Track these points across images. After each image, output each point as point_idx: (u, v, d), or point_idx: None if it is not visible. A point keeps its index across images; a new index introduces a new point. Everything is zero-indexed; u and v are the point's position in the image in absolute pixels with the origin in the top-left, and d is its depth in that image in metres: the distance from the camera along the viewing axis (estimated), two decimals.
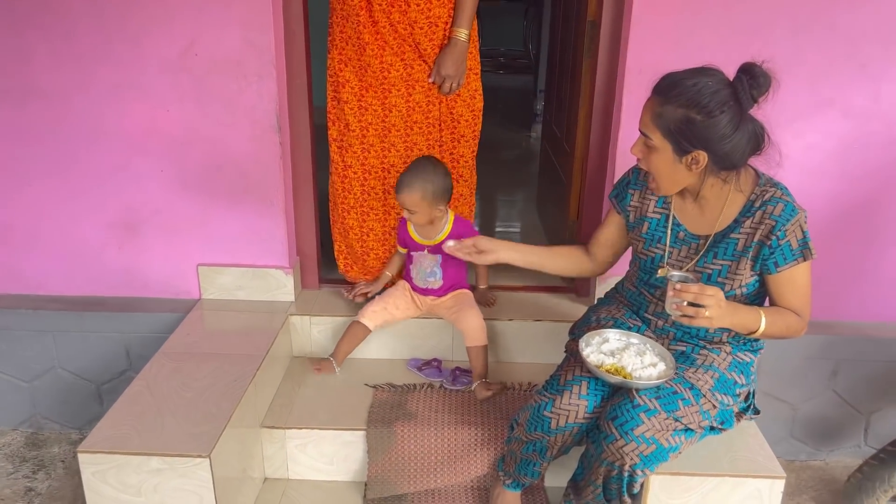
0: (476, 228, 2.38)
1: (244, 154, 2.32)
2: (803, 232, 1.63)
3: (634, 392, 1.65)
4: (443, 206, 2.20)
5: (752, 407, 1.89)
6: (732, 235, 1.69)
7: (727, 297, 1.60)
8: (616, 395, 1.71)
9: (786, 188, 1.68)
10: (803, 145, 2.29)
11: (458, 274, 2.37)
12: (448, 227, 2.26)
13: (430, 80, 2.27)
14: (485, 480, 2.11)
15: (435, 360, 2.42)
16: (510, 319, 2.41)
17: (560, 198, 2.80)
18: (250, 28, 2.18)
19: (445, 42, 2.24)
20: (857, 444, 2.53)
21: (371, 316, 2.30)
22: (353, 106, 2.32)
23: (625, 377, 1.67)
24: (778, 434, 2.49)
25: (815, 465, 2.53)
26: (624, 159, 2.28)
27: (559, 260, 1.97)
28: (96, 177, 2.36)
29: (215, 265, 2.46)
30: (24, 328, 2.44)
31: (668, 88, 1.56)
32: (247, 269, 2.46)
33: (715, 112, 1.52)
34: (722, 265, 1.71)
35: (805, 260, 1.64)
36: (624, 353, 1.74)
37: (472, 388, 2.25)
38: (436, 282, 2.32)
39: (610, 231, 1.94)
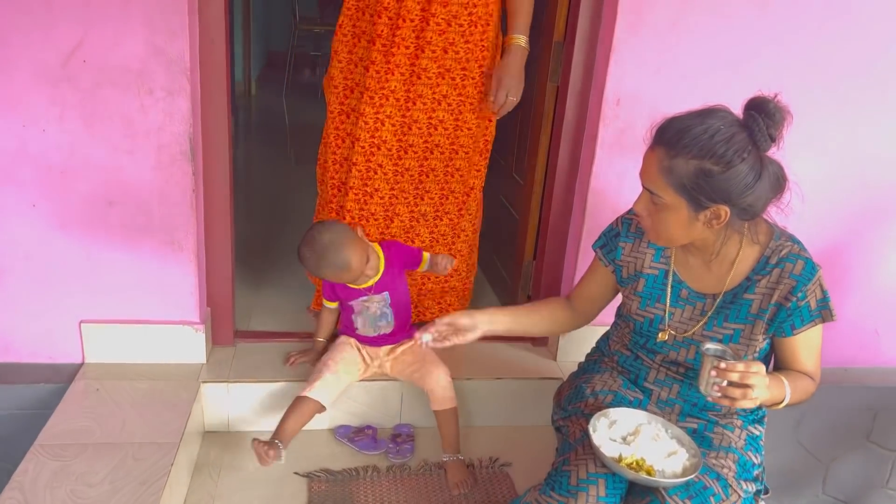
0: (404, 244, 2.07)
1: (145, 186, 1.86)
2: (823, 291, 1.47)
3: (663, 491, 1.39)
4: (368, 246, 1.89)
5: (764, 487, 1.70)
6: (746, 296, 1.49)
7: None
8: (635, 490, 1.45)
9: (801, 243, 1.51)
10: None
11: (407, 314, 2.04)
12: (381, 260, 1.93)
13: (491, 99, 2.00)
14: None
15: (368, 427, 2.07)
16: (468, 378, 2.10)
17: (508, 234, 2.52)
18: (157, 31, 1.73)
19: (483, 52, 1.99)
20: (815, 493, 2.44)
21: (323, 390, 1.88)
22: (369, 120, 2.01)
23: (648, 472, 1.41)
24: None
25: None
26: (597, 198, 2.04)
27: (542, 321, 1.72)
28: None
29: (103, 321, 1.97)
30: None
31: (676, 138, 1.33)
32: (144, 325, 1.99)
33: (734, 161, 1.30)
34: (735, 329, 1.50)
35: (823, 321, 1.48)
36: (637, 440, 1.47)
37: (444, 462, 1.92)
38: (387, 325, 1.98)
39: (596, 284, 1.70)
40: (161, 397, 1.88)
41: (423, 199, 2.13)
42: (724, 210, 1.35)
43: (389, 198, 2.10)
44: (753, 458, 1.55)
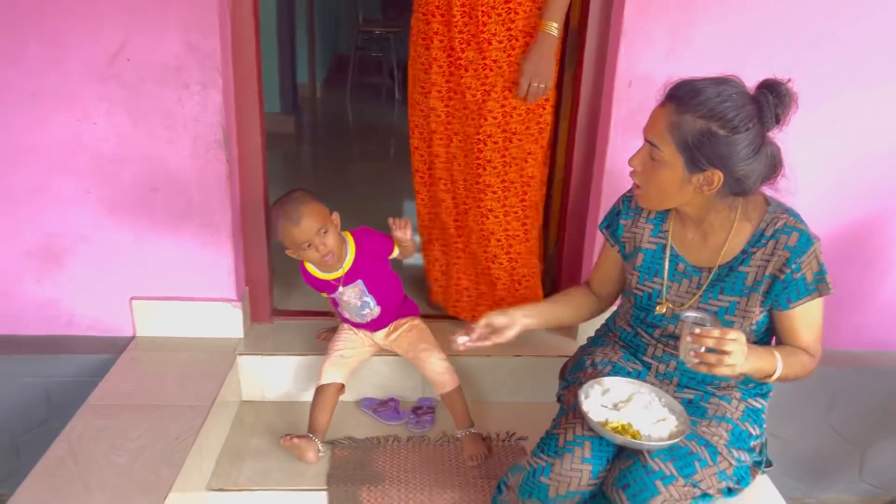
0: (375, 230, 2.04)
1: (185, 173, 2.03)
2: (819, 264, 1.47)
3: (646, 454, 1.44)
4: (330, 223, 1.89)
5: (765, 459, 1.71)
6: (741, 268, 1.51)
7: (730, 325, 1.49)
8: (623, 454, 1.50)
9: (798, 215, 1.51)
10: (797, 167, 2.12)
11: (394, 291, 2.06)
12: (352, 248, 1.95)
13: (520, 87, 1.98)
14: None
15: (391, 399, 2.17)
16: (487, 355, 2.18)
17: None
18: (192, 30, 1.89)
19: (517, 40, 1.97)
20: (852, 480, 2.38)
21: (333, 371, 1.98)
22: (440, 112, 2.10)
23: (633, 436, 1.46)
24: (771, 472, 2.32)
25: (809, 503, 2.38)
26: (611, 178, 2.08)
27: (572, 311, 1.78)
28: (10, 200, 2.04)
29: (151, 298, 2.16)
30: None
31: (689, 96, 1.37)
32: (188, 302, 2.16)
33: (740, 128, 1.35)
34: (730, 301, 1.53)
35: (821, 295, 1.48)
36: (628, 406, 1.53)
37: (458, 437, 2.00)
38: (372, 312, 2.01)
39: (608, 266, 1.75)
40: (199, 367, 2.05)
41: (485, 193, 2.12)
42: (718, 176, 1.39)
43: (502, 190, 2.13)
44: (751, 430, 1.57)
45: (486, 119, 2.03)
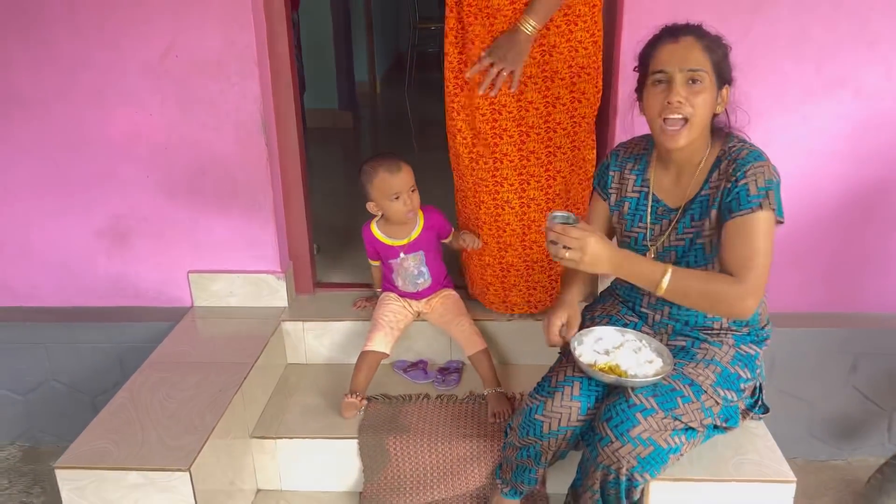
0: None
1: (230, 157, 2.26)
2: (766, 181, 1.50)
3: (630, 391, 1.55)
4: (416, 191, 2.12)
5: (760, 404, 1.79)
6: (703, 193, 1.61)
7: (709, 257, 1.59)
8: (611, 395, 1.62)
9: (758, 150, 1.57)
10: (813, 128, 2.17)
11: (441, 267, 2.28)
12: (421, 221, 2.17)
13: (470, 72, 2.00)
14: (483, 490, 2.02)
15: (421, 361, 2.35)
16: (509, 318, 2.32)
17: None
18: (230, 27, 2.12)
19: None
20: (881, 442, 2.39)
21: (380, 341, 2.15)
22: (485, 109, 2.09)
23: (619, 375, 1.58)
24: (796, 433, 2.37)
25: (837, 464, 2.40)
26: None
27: (590, 279, 1.89)
28: (82, 185, 2.32)
29: (206, 272, 2.40)
30: (16, 341, 2.41)
31: (699, 29, 1.54)
32: (238, 274, 2.40)
33: (727, 46, 1.56)
34: (695, 229, 1.63)
35: (762, 209, 1.48)
36: (619, 351, 1.65)
37: (485, 395, 2.15)
38: (425, 282, 2.23)
39: (600, 221, 1.83)
40: (247, 331, 2.28)
41: (529, 183, 2.15)
42: (728, 90, 1.57)
43: (519, 183, 2.15)
44: (741, 372, 1.66)
45: (527, 111, 2.08)
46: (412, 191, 2.08)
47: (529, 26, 1.92)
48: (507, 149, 2.11)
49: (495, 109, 2.07)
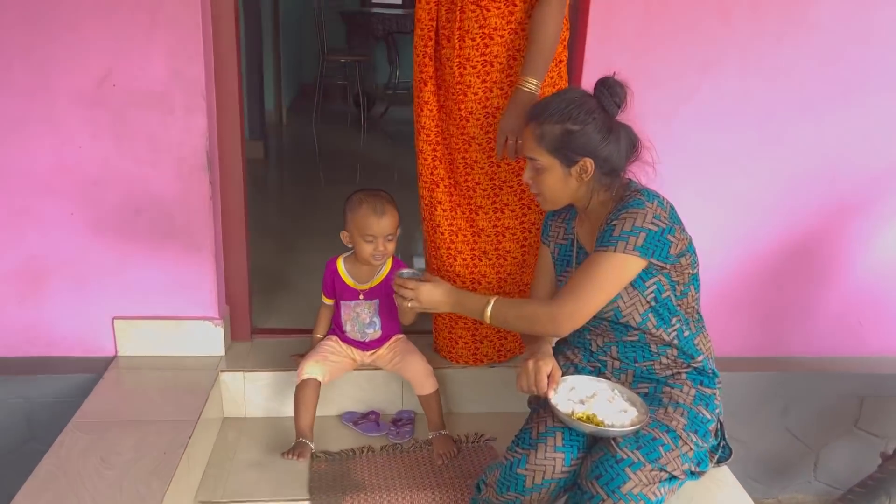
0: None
1: (169, 195, 2.09)
2: (634, 226, 1.55)
3: (614, 443, 1.55)
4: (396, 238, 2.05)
5: (723, 445, 1.83)
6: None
7: (629, 302, 1.64)
8: (594, 448, 1.61)
9: (649, 191, 1.63)
10: (750, 183, 2.29)
11: (395, 323, 2.17)
12: (387, 269, 2.08)
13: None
14: None
15: (372, 412, 2.24)
16: (463, 366, 2.27)
17: None
18: (177, 57, 1.97)
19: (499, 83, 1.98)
20: (807, 479, 2.52)
21: (313, 367, 2.03)
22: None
23: (597, 425, 1.57)
24: (734, 473, 2.45)
25: (768, 503, 2.50)
26: None
27: None
28: None
29: (134, 318, 2.20)
30: None
31: (541, 110, 1.64)
32: (170, 321, 2.21)
33: (587, 120, 1.60)
34: None
35: (615, 251, 1.55)
36: (593, 401, 1.65)
37: (430, 439, 2.09)
38: (375, 333, 2.13)
39: (545, 268, 1.89)
40: (183, 384, 2.09)
41: (477, 213, 2.14)
42: (590, 162, 1.61)
43: (495, 234, 2.15)
44: (706, 413, 1.69)
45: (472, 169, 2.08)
46: (388, 239, 1.99)
47: (532, 85, 1.87)
48: (481, 201, 2.11)
49: (468, 164, 2.08)
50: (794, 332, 2.46)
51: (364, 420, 2.20)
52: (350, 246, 2.06)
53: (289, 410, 2.19)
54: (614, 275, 1.58)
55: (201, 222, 2.13)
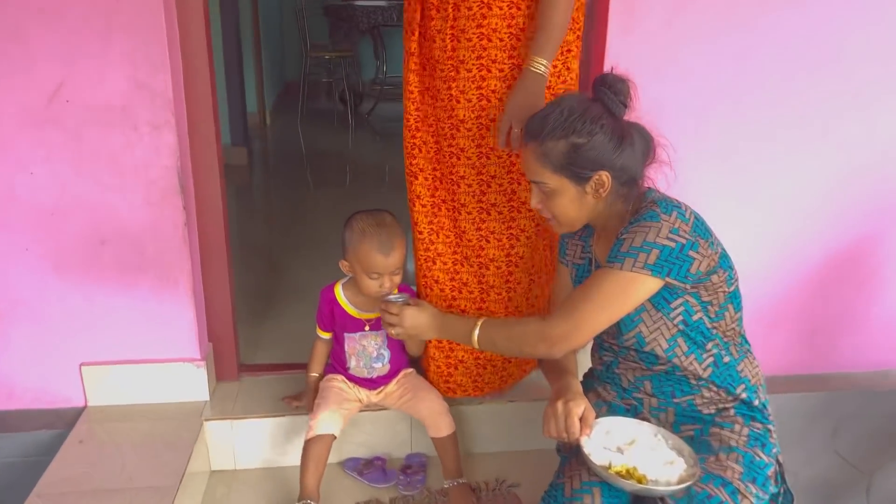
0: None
1: (137, 223, 1.83)
2: (645, 242, 1.35)
3: (660, 503, 1.31)
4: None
5: (785, 491, 1.59)
6: None
7: (653, 327, 1.44)
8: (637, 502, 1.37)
9: (671, 205, 1.40)
10: (792, 184, 2.05)
11: (403, 355, 1.95)
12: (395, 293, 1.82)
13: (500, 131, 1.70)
14: None
15: (377, 458, 1.99)
16: (480, 402, 2.02)
17: None
18: (139, 66, 1.70)
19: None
20: None
21: (330, 419, 1.78)
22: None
23: (640, 480, 1.33)
24: None
25: None
26: None
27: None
28: None
29: (104, 363, 1.94)
30: None
31: (540, 126, 1.43)
32: (146, 365, 1.95)
33: (595, 130, 1.39)
34: None
35: (622, 269, 1.36)
36: (633, 448, 1.41)
37: (446, 488, 1.85)
38: (383, 367, 1.89)
39: (564, 287, 1.67)
40: (162, 438, 1.84)
41: (460, 212, 1.89)
42: (605, 175, 1.40)
43: (478, 239, 1.90)
44: (762, 456, 1.45)
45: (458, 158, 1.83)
46: (395, 273, 1.74)
47: (541, 66, 1.64)
48: (465, 198, 1.84)
49: (453, 153, 1.80)
50: (839, 346, 2.23)
51: (369, 468, 1.95)
52: (349, 275, 1.81)
53: (285, 460, 1.97)
54: (618, 294, 1.38)
55: (175, 252, 1.87)
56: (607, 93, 1.41)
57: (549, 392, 1.62)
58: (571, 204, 1.45)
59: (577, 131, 1.39)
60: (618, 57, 1.84)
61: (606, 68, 1.84)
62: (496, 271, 1.90)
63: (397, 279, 1.75)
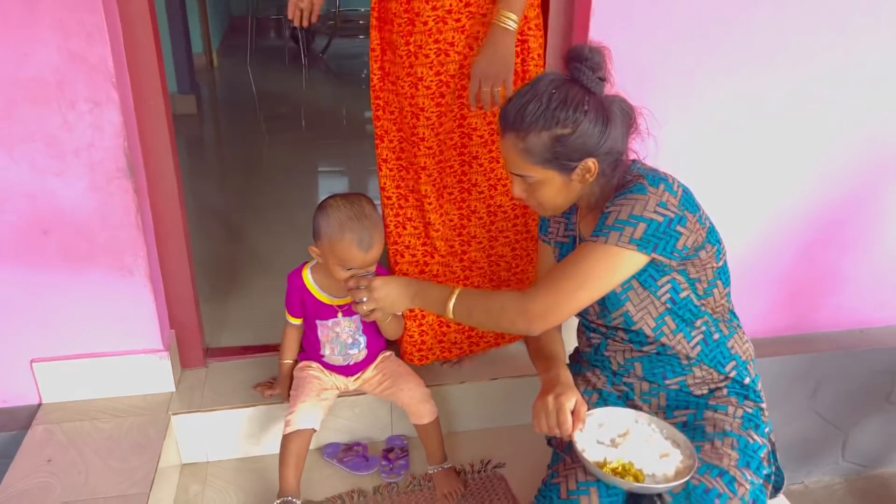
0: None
1: (82, 209, 1.66)
2: (631, 215, 1.29)
3: (660, 501, 1.27)
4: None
5: (777, 469, 1.57)
6: None
7: (640, 305, 1.39)
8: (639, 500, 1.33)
9: (658, 177, 1.33)
10: (780, 146, 1.96)
11: (380, 339, 1.85)
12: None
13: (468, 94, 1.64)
14: None
15: (357, 443, 1.92)
16: (461, 382, 1.95)
17: None
18: (73, 35, 1.50)
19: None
20: (835, 461, 2.33)
21: (309, 413, 1.68)
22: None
23: (636, 476, 1.29)
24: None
25: (795, 489, 2.31)
26: None
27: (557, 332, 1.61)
28: None
29: (58, 358, 1.80)
30: None
31: (519, 118, 1.32)
32: (103, 358, 1.82)
33: (579, 117, 1.29)
34: None
35: (606, 243, 1.30)
36: (627, 441, 1.36)
37: (431, 473, 1.79)
38: (359, 353, 1.79)
39: (546, 264, 1.62)
40: (128, 438, 1.72)
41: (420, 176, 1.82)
42: (592, 162, 1.33)
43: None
44: (756, 438, 1.42)
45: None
46: (367, 272, 1.62)
47: (512, 22, 1.55)
48: (425, 161, 1.75)
49: (414, 113, 1.70)
50: (821, 305, 2.21)
51: (349, 454, 1.88)
52: (319, 261, 1.68)
53: (259, 449, 1.89)
54: (602, 270, 1.32)
55: (128, 238, 1.71)
56: (582, 69, 1.30)
57: (531, 368, 1.58)
58: (557, 192, 1.37)
59: (559, 122, 1.29)
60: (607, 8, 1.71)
61: (597, 24, 1.73)
62: (477, 247, 1.82)
63: (372, 269, 1.63)
